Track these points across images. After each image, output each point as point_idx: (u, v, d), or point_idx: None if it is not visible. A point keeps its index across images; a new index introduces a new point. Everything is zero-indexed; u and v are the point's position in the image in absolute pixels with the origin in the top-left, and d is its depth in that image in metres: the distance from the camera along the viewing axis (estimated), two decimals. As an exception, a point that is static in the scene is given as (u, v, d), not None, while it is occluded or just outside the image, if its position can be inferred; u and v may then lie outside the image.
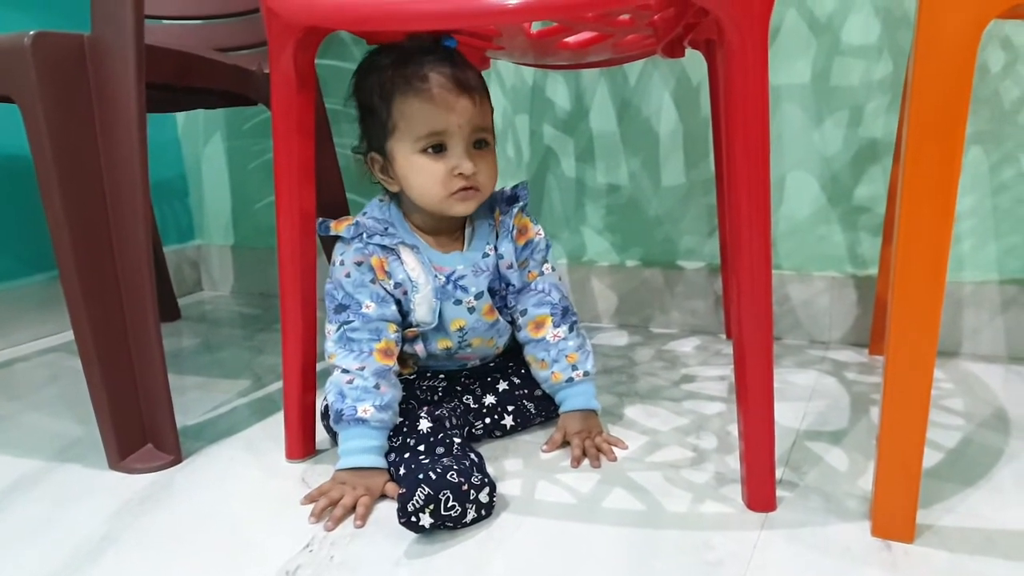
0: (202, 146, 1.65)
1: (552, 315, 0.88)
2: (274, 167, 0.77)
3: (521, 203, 0.87)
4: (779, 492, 0.72)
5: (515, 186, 0.89)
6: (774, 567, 0.61)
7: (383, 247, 0.81)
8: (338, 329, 0.80)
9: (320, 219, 0.82)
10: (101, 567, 0.65)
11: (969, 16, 0.55)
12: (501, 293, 0.88)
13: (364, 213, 0.85)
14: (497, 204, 0.88)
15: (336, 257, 0.82)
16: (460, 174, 0.77)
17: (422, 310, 0.82)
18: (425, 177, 0.78)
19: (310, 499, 0.74)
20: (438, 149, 0.77)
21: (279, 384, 1.08)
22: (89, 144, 0.76)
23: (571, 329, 0.88)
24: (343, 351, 0.79)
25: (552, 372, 0.87)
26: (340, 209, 1.20)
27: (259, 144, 1.59)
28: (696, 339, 1.23)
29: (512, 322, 0.90)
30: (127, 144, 0.76)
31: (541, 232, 0.89)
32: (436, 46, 0.78)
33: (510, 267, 0.86)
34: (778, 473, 0.75)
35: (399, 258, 0.82)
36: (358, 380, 0.77)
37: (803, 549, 0.63)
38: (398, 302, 0.83)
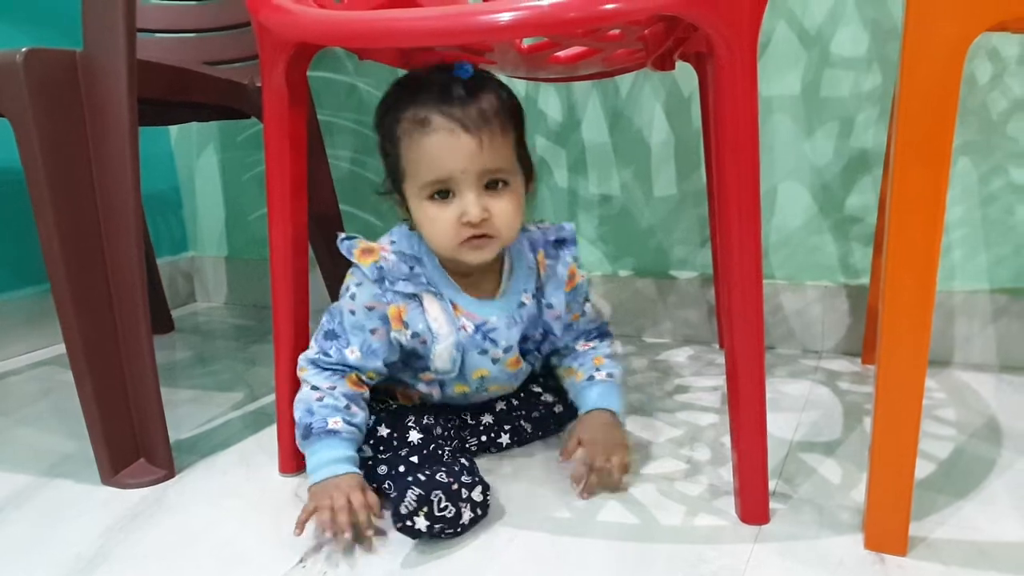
0: (196, 158, 1.65)
1: (590, 340, 0.89)
2: (266, 181, 0.77)
3: (572, 250, 0.83)
4: (773, 504, 0.72)
5: (559, 226, 0.84)
6: (767, 580, 0.61)
7: (405, 295, 0.76)
8: (317, 352, 0.77)
9: (345, 236, 0.77)
10: (92, 584, 0.65)
11: (956, 30, 0.55)
12: (535, 338, 0.84)
13: (392, 240, 0.79)
14: (540, 245, 0.82)
15: (350, 284, 0.77)
16: (468, 222, 0.71)
17: (442, 361, 0.78)
18: (433, 225, 0.73)
19: (301, 524, 0.68)
20: (445, 195, 0.72)
21: (273, 397, 1.07)
22: (81, 159, 0.76)
23: (602, 339, 0.88)
24: (315, 370, 0.77)
25: (576, 373, 0.85)
26: (334, 221, 1.21)
27: (252, 156, 1.59)
28: (689, 349, 1.23)
29: (540, 353, 0.87)
30: (119, 159, 0.76)
31: (584, 273, 0.86)
32: (449, 76, 0.72)
33: (558, 317, 0.83)
34: (771, 485, 0.75)
35: (421, 305, 0.76)
36: (328, 399, 0.75)
37: (796, 563, 0.63)
38: (413, 351, 0.78)
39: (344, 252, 0.77)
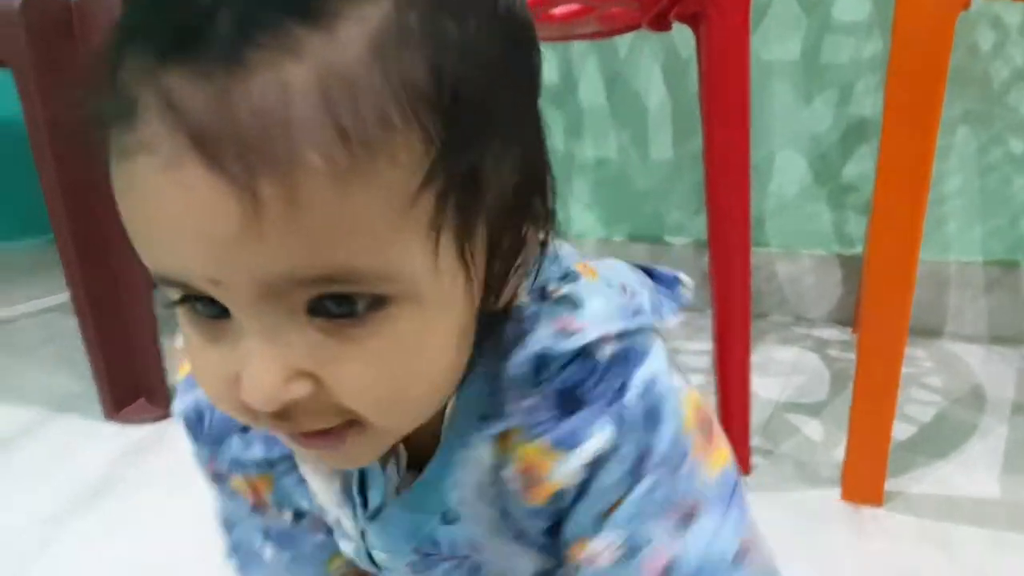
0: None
1: None
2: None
3: (528, 431, 0.31)
4: (754, 459, 0.73)
5: (625, 349, 0.31)
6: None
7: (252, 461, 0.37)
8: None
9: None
10: (108, 503, 0.70)
11: (947, -6, 0.56)
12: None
13: None
14: (513, 380, 0.32)
15: (191, 445, 0.40)
16: (247, 403, 0.26)
17: (348, 549, 0.40)
18: (195, 367, 0.29)
19: None
20: (211, 311, 0.26)
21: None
22: (80, 106, 0.77)
23: None
24: None
25: None
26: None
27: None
28: (681, 314, 1.24)
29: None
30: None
31: (604, 447, 0.30)
32: None
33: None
34: (754, 441, 0.77)
35: (294, 468, 0.38)
36: None
37: (771, 512, 0.64)
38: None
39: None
